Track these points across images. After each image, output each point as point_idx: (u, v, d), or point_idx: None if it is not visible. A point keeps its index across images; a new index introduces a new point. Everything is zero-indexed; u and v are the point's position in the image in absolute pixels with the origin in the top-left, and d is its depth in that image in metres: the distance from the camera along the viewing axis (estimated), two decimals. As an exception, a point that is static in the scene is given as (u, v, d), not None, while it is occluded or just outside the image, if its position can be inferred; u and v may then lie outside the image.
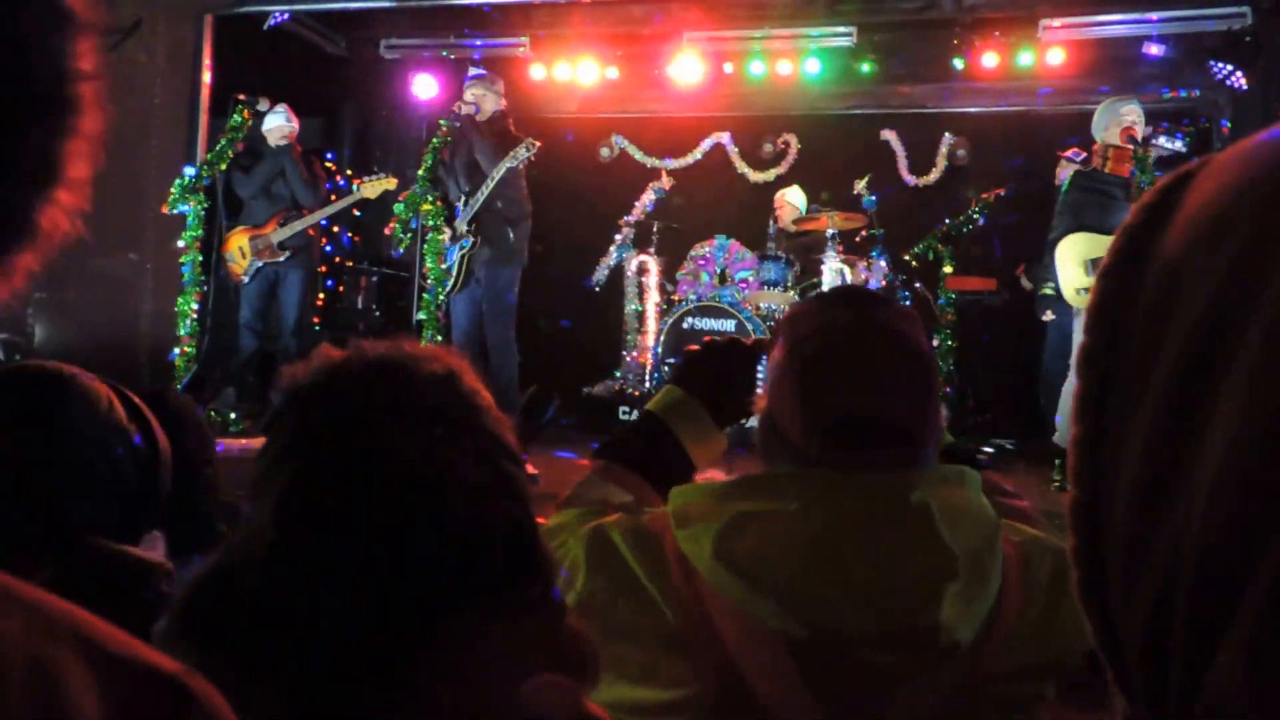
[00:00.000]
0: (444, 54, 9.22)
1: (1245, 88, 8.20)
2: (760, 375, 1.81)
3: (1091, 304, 0.57)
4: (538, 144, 6.99)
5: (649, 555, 1.50)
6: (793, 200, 8.93)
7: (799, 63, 9.07)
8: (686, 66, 9.09)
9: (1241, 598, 0.46)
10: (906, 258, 8.10)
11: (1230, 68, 8.06)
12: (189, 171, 7.17)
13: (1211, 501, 0.47)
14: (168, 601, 1.49)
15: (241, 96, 7.34)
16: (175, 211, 7.00)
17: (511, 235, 7.09)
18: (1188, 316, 0.50)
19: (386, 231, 7.35)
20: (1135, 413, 0.52)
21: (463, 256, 7.08)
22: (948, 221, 7.95)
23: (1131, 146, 6.21)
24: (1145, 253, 0.55)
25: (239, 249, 7.68)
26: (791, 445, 1.53)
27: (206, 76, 7.79)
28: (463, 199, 7.17)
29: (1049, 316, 7.03)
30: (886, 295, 1.70)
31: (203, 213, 7.11)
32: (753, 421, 1.74)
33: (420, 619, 1.02)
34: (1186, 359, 0.50)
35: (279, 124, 7.66)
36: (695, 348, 1.92)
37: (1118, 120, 6.40)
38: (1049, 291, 6.66)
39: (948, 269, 7.88)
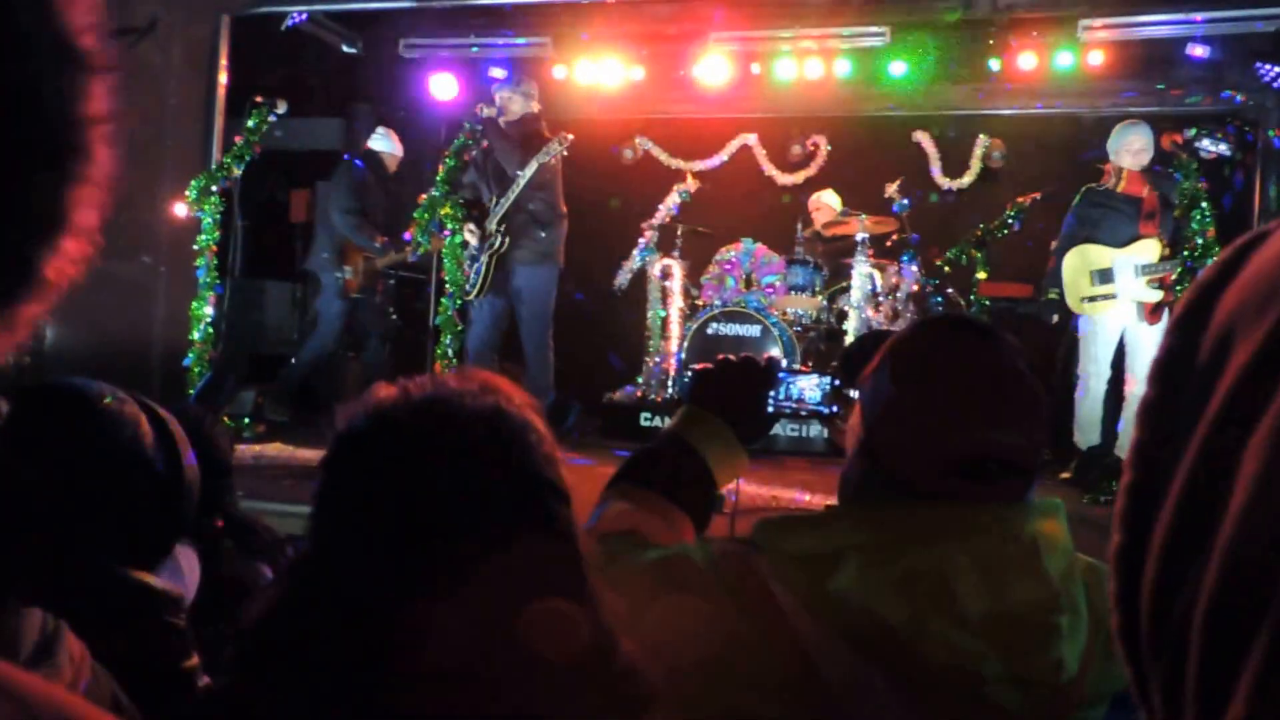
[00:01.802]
0: (472, 50, 9.05)
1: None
2: (773, 394, 1.85)
3: (1158, 356, 0.58)
4: (570, 138, 6.88)
5: (738, 588, 1.47)
6: (828, 202, 8.79)
7: (829, 64, 8.88)
8: (712, 67, 8.92)
9: (1245, 659, 0.46)
10: (939, 263, 7.94)
11: (1278, 70, 7.83)
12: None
13: (1223, 558, 0.48)
14: (175, 630, 1.54)
15: (259, 98, 7.23)
16: (190, 214, 6.87)
17: (544, 236, 6.97)
18: (1230, 375, 0.51)
19: (406, 236, 7.23)
20: (1178, 465, 0.53)
21: (490, 259, 6.96)
22: (982, 226, 7.78)
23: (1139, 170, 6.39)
24: (1210, 309, 0.55)
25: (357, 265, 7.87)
26: (903, 476, 1.52)
27: (223, 77, 7.67)
28: (493, 201, 7.05)
29: (1055, 320, 7.10)
30: (992, 324, 1.65)
31: (218, 216, 7.00)
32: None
33: (465, 643, 1.07)
34: (1222, 417, 0.51)
35: (393, 151, 7.95)
36: (708, 365, 1.88)
37: (1125, 146, 6.59)
38: (1054, 296, 6.77)
39: (981, 274, 7.73)
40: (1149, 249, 6.43)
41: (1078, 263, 6.59)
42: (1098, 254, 6.53)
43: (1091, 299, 6.52)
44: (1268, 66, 7.85)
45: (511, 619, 1.06)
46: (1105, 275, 6.49)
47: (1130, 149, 6.57)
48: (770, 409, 1.87)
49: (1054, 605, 1.42)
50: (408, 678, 1.07)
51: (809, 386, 1.91)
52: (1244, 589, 0.47)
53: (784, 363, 6.60)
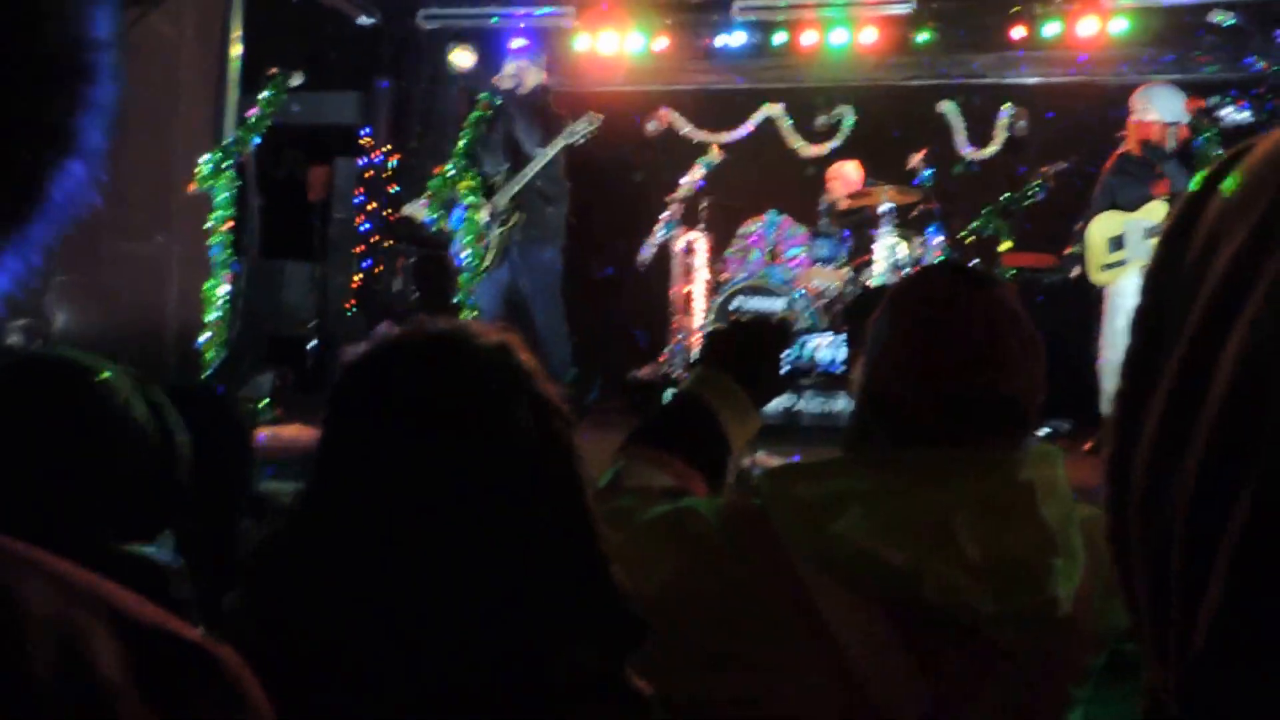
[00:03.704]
0: (492, 20, 8.97)
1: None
2: (787, 355, 1.87)
3: (1149, 267, 0.59)
4: (599, 118, 6.80)
5: (743, 538, 1.51)
6: (847, 173, 8.71)
7: (854, 33, 8.78)
8: (736, 37, 8.83)
9: (1218, 548, 0.48)
10: (963, 233, 7.86)
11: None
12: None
13: (1206, 440, 0.49)
14: (180, 606, 1.51)
15: (274, 71, 7.14)
16: (203, 190, 6.81)
17: (551, 213, 6.93)
18: (1215, 277, 0.52)
19: (412, 209, 7.17)
20: (1166, 367, 0.54)
21: (501, 235, 6.92)
22: (1006, 196, 7.69)
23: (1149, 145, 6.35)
24: (1197, 220, 0.57)
25: None
26: (902, 420, 1.56)
27: (237, 50, 7.54)
28: (502, 176, 6.99)
29: (1075, 272, 6.99)
30: (990, 272, 1.69)
31: (233, 192, 6.92)
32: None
33: (471, 563, 1.10)
34: (1204, 319, 0.52)
35: None
36: (721, 327, 1.88)
37: (1145, 111, 6.48)
38: (1076, 250, 6.76)
39: (1006, 245, 7.65)
40: (1157, 210, 6.32)
41: (1098, 231, 6.56)
42: (1112, 221, 6.48)
43: (1109, 266, 6.45)
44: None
45: (513, 540, 1.11)
46: (1118, 242, 6.44)
47: (1137, 110, 6.51)
48: (784, 369, 1.89)
49: (1050, 547, 1.45)
50: (414, 600, 1.10)
51: (822, 346, 2.00)
52: (1224, 471, 0.49)
53: (796, 325, 6.54)
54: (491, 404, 1.14)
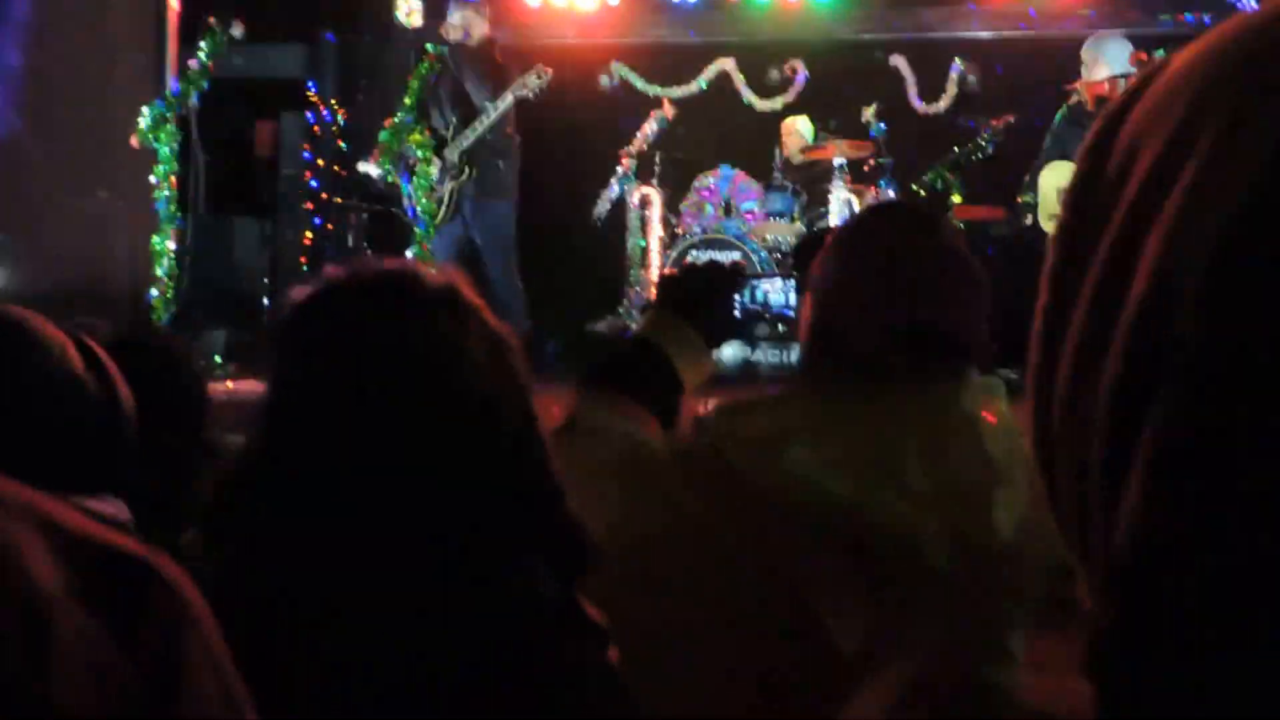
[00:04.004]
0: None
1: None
2: (739, 299, 1.91)
3: (1069, 184, 0.60)
4: (549, 71, 6.75)
5: (696, 473, 1.55)
6: (800, 129, 8.76)
7: (806, -15, 8.78)
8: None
9: (1139, 440, 0.49)
10: (915, 187, 7.92)
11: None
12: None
13: (1121, 345, 0.51)
14: None
15: (212, 21, 6.97)
16: (147, 145, 6.69)
17: (501, 166, 6.88)
18: (1134, 184, 0.53)
19: (367, 166, 7.10)
20: (1085, 279, 0.55)
21: (453, 189, 6.87)
22: (957, 150, 7.73)
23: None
24: (1116, 134, 0.57)
25: None
26: (848, 354, 1.60)
27: (174, 2, 7.41)
28: (449, 130, 6.92)
29: (1028, 221, 7.07)
30: (933, 210, 1.76)
31: (176, 146, 6.80)
32: None
33: (425, 495, 1.10)
34: (1124, 224, 0.53)
35: None
36: (673, 270, 1.88)
37: (1095, 64, 6.53)
38: (1028, 199, 6.84)
39: (956, 198, 7.73)
40: None
41: (1050, 180, 6.59)
42: (1064, 170, 6.49)
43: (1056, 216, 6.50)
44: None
45: (466, 470, 1.12)
46: None
47: (1086, 63, 6.57)
48: (737, 312, 1.91)
49: (992, 477, 1.50)
50: (370, 532, 1.10)
51: (773, 290, 2.00)
52: (1140, 375, 0.50)
53: (748, 268, 6.56)
54: (441, 338, 1.14)
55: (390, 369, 1.13)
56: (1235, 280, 0.47)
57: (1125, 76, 6.37)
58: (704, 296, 1.88)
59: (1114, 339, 0.52)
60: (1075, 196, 0.60)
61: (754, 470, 1.51)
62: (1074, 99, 6.69)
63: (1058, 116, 6.75)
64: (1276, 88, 0.49)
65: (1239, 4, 7.92)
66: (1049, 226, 6.57)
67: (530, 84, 6.75)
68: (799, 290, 1.94)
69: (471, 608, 1.12)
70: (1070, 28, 8.82)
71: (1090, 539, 0.54)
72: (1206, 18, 8.41)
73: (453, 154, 6.92)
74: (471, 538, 1.12)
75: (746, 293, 1.94)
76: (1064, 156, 6.53)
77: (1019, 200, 7.01)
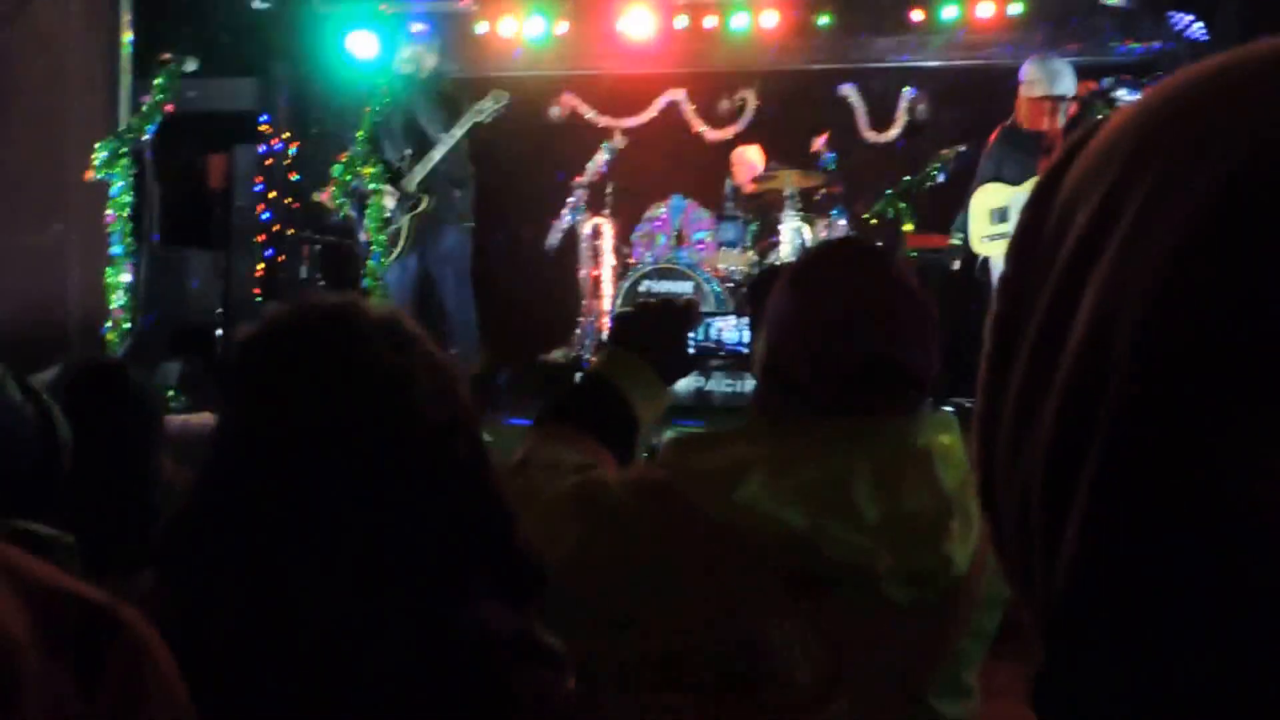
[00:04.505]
0: (390, 3, 8.84)
1: (1207, 39, 8.06)
2: (693, 336, 1.93)
3: (1013, 234, 0.61)
4: (506, 95, 6.76)
5: (649, 506, 1.55)
6: (750, 159, 8.76)
7: (756, 17, 8.87)
8: (638, 20, 8.85)
9: (1076, 493, 0.50)
10: (866, 216, 7.95)
11: (1190, 19, 7.95)
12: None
13: (1059, 397, 0.52)
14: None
15: (166, 57, 6.95)
16: (100, 178, 6.64)
17: (458, 195, 6.90)
18: (1070, 241, 0.55)
19: (321, 198, 7.09)
20: (1028, 328, 0.57)
21: (411, 220, 6.87)
22: (907, 178, 7.79)
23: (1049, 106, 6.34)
24: (1058, 186, 0.59)
25: None
26: (801, 390, 1.62)
27: (128, 36, 7.37)
28: (404, 162, 6.93)
29: (955, 266, 7.11)
30: (884, 247, 1.79)
31: (130, 179, 6.74)
32: None
33: (374, 526, 1.11)
34: (1060, 279, 0.55)
35: None
36: (629, 309, 1.96)
37: (1034, 83, 6.48)
38: (957, 242, 6.85)
39: (908, 227, 7.75)
40: None
41: (981, 202, 6.64)
42: (997, 193, 6.55)
43: (991, 238, 6.55)
44: (1180, 16, 7.96)
45: (414, 501, 1.13)
46: (1002, 214, 6.50)
47: (1025, 82, 6.54)
48: (691, 349, 1.93)
49: (946, 509, 1.51)
50: (320, 567, 1.11)
51: (727, 327, 2.00)
52: (1075, 427, 0.51)
53: (702, 305, 6.60)
54: (385, 370, 1.15)
55: (335, 403, 1.14)
56: (1165, 337, 0.48)
57: (1065, 98, 6.45)
58: (658, 334, 1.90)
59: (1051, 392, 0.53)
60: (1017, 249, 0.61)
61: (708, 504, 1.51)
62: (1009, 120, 6.73)
63: (993, 138, 6.81)
64: (1204, 148, 0.51)
65: (1189, 34, 8.07)
66: (979, 248, 6.63)
67: (486, 108, 6.76)
68: (753, 326, 1.94)
69: (426, 637, 1.13)
70: (1018, 56, 8.96)
71: (1034, 583, 0.55)
72: (1156, 44, 8.60)
73: (409, 184, 6.92)
74: (424, 567, 1.14)
75: (701, 330, 1.96)
76: (997, 177, 6.58)
77: (949, 243, 7.03)
